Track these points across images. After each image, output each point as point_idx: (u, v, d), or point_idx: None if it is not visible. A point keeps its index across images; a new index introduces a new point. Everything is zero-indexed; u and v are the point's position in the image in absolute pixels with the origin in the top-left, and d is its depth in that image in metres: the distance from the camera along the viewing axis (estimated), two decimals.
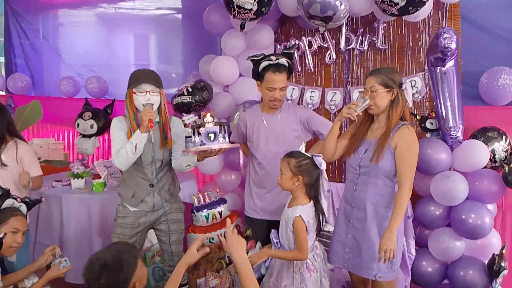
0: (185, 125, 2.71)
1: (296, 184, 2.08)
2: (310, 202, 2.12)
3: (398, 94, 2.07)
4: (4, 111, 2.67)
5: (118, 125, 2.32)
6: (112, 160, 2.29)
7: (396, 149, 2.05)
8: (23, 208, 2.11)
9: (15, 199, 2.08)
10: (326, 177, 2.11)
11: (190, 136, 2.17)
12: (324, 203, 2.16)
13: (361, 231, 2.14)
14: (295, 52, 3.32)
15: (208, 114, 2.13)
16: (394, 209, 2.03)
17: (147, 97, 2.25)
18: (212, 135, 2.09)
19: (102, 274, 1.51)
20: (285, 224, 2.13)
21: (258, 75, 2.49)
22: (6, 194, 2.05)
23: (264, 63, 2.44)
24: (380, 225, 2.09)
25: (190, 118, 2.18)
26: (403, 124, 2.08)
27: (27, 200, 2.16)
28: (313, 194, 2.12)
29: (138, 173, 2.35)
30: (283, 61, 2.43)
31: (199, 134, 2.11)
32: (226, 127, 2.21)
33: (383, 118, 2.12)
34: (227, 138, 2.16)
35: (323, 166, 2.06)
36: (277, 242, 2.15)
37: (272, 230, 2.20)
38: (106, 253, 1.58)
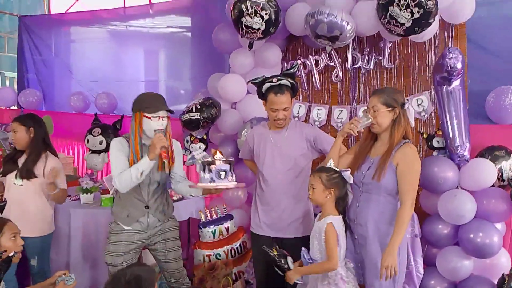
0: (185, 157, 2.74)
1: (328, 197, 2.13)
2: (339, 215, 2.17)
3: (400, 114, 2.11)
4: (41, 123, 2.80)
5: (118, 146, 2.30)
6: (113, 182, 2.27)
7: (397, 167, 2.08)
8: None
9: None
10: (351, 190, 2.17)
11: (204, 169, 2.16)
12: None
13: (364, 248, 2.15)
14: (301, 71, 3.38)
15: (218, 152, 2.16)
16: (396, 226, 2.05)
17: (160, 123, 2.25)
18: (223, 173, 2.11)
19: None
20: (317, 236, 2.15)
21: (262, 95, 2.53)
22: None
23: (266, 85, 2.47)
24: (382, 242, 2.09)
25: (199, 153, 2.21)
26: (405, 143, 2.11)
27: None
28: (342, 208, 2.18)
29: (135, 194, 2.34)
30: (285, 81, 2.45)
31: (210, 171, 2.12)
32: (233, 165, 2.23)
33: (385, 136, 2.16)
34: (234, 176, 2.18)
35: (350, 180, 2.13)
36: (309, 259, 2.16)
37: (303, 248, 2.21)
38: (129, 271, 1.61)
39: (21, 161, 2.71)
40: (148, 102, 2.27)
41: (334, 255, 2.07)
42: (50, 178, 2.64)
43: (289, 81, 2.46)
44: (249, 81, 2.62)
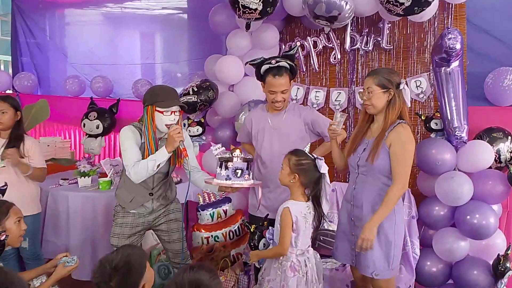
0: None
1: (292, 181, 2.11)
2: (307, 201, 2.14)
3: (395, 95, 2.09)
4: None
5: (130, 135, 2.25)
6: (127, 173, 2.23)
7: (390, 148, 2.07)
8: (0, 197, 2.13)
9: None
10: (329, 181, 2.12)
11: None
12: (326, 206, 2.16)
13: (359, 229, 2.16)
14: (299, 53, 3.34)
15: (237, 150, 2.14)
16: (382, 203, 2.05)
17: (173, 117, 2.23)
18: (239, 172, 2.09)
19: (112, 277, 1.52)
20: (277, 218, 2.17)
21: (261, 77, 2.50)
22: None
23: (265, 66, 2.44)
24: (379, 224, 2.10)
25: (217, 148, 2.18)
26: (399, 123, 2.10)
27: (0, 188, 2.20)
28: (314, 195, 2.14)
29: (141, 182, 2.33)
30: (284, 63, 2.42)
31: (226, 168, 2.10)
32: (251, 163, 2.21)
33: (381, 118, 2.15)
34: (251, 174, 2.17)
35: (323, 170, 2.08)
36: (269, 239, 2.19)
37: (270, 227, 2.23)
38: (116, 256, 1.58)
39: None
40: (160, 96, 2.22)
41: (284, 241, 2.07)
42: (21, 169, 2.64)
43: (288, 63, 2.43)
44: (247, 62, 2.59)
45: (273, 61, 2.41)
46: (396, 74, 2.15)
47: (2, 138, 2.71)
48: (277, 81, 2.40)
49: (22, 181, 2.71)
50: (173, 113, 2.23)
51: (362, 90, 2.18)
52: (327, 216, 3.19)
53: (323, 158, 2.12)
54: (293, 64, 2.45)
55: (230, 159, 2.10)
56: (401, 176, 2.05)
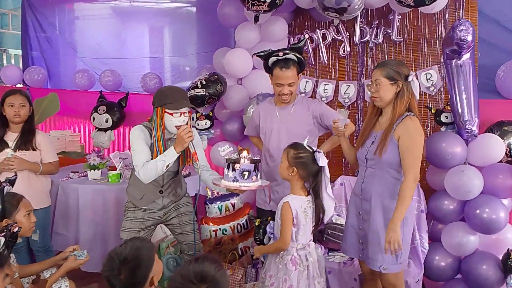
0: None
1: (290, 175, 2.10)
2: (307, 196, 2.13)
3: (403, 87, 2.07)
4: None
5: (141, 135, 2.27)
6: (136, 173, 2.25)
7: (399, 141, 2.05)
8: (10, 188, 2.12)
9: (6, 185, 2.08)
10: (328, 174, 2.10)
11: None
12: (328, 200, 2.13)
13: (368, 223, 2.16)
14: (308, 45, 3.32)
15: (244, 151, 2.14)
16: (398, 200, 2.04)
17: (182, 119, 2.24)
18: (246, 173, 2.09)
19: (121, 270, 1.53)
20: (277, 213, 2.16)
21: (268, 69, 2.49)
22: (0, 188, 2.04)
23: (273, 59, 2.43)
24: (386, 216, 2.09)
25: (225, 149, 2.18)
26: (407, 116, 2.08)
27: (9, 179, 2.19)
28: (313, 189, 2.12)
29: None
30: (292, 56, 2.41)
31: (234, 170, 2.10)
32: (259, 164, 2.21)
33: (389, 110, 2.13)
34: (259, 175, 2.17)
35: (321, 163, 2.06)
36: (270, 233, 2.20)
37: (271, 221, 2.23)
38: (125, 249, 1.58)
39: (8, 137, 2.70)
40: (169, 98, 2.22)
41: (285, 235, 2.07)
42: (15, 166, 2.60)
43: (296, 56, 2.41)
44: (254, 54, 2.58)
45: (281, 53, 2.41)
46: (404, 66, 2.12)
47: (13, 132, 2.72)
48: (284, 73, 2.39)
49: (33, 175, 2.73)
50: (182, 114, 2.23)
51: (370, 83, 2.16)
52: (336, 209, 3.21)
53: (321, 151, 2.11)
54: (301, 57, 2.43)
55: (237, 161, 2.10)
56: (412, 168, 2.03)
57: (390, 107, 2.12)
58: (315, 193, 2.13)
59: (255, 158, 2.16)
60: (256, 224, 2.29)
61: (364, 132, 2.23)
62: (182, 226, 2.49)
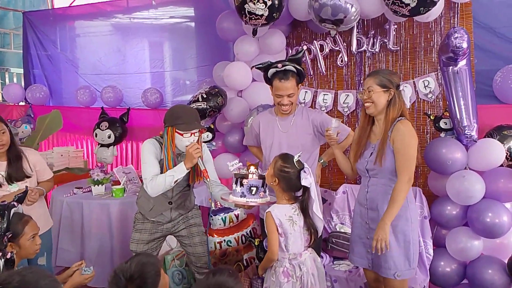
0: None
1: (272, 183, 2.10)
2: (292, 204, 2.10)
3: (395, 95, 2.11)
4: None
5: (152, 149, 2.30)
6: (144, 186, 2.27)
7: (394, 145, 2.08)
8: (20, 207, 2.09)
9: (13, 205, 2.04)
10: (314, 194, 2.06)
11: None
12: (317, 221, 2.10)
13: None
14: (306, 56, 3.36)
15: (252, 167, 2.14)
16: (390, 200, 2.05)
17: (192, 138, 2.25)
18: (254, 189, 2.10)
19: (127, 287, 1.52)
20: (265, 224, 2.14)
21: (268, 80, 2.53)
22: (8, 206, 2.00)
23: (272, 70, 2.47)
24: (394, 224, 2.10)
25: (234, 164, 2.20)
26: (398, 121, 2.11)
27: (17, 197, 2.17)
28: (301, 207, 2.10)
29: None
30: (290, 67, 2.44)
31: (242, 185, 2.11)
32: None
33: (381, 119, 2.16)
34: (267, 191, 2.17)
35: (304, 182, 2.02)
36: (266, 246, 2.16)
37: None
38: (130, 266, 1.57)
39: None
40: (181, 119, 2.25)
41: (271, 245, 2.05)
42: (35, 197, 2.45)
43: (294, 67, 2.45)
44: (253, 66, 2.62)
45: (279, 65, 2.44)
46: (396, 75, 2.17)
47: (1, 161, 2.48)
48: (283, 85, 2.42)
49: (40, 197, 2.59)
50: (192, 134, 2.25)
51: (361, 92, 2.19)
52: (339, 217, 3.21)
53: (309, 169, 2.06)
54: (300, 68, 2.47)
55: (245, 176, 2.10)
56: (405, 170, 2.05)
57: (382, 115, 2.15)
58: (303, 211, 2.10)
59: (263, 174, 2.16)
60: (256, 244, 2.27)
61: (359, 142, 2.25)
62: (191, 237, 2.50)
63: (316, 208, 2.07)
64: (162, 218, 2.43)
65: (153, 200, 2.37)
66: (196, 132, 2.26)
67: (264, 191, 2.14)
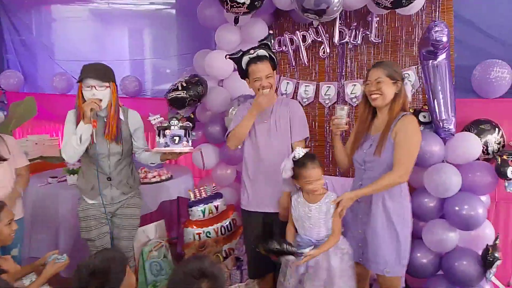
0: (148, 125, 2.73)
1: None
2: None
3: (401, 87, 2.09)
4: None
5: (70, 117, 2.32)
6: (62, 154, 2.30)
7: (395, 138, 2.06)
8: None
9: None
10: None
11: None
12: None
13: (368, 225, 2.16)
14: (289, 47, 3.32)
15: (174, 118, 2.18)
16: (374, 182, 2.05)
17: (93, 92, 2.24)
18: (176, 138, 2.16)
19: (90, 282, 1.50)
20: (324, 217, 2.12)
21: (244, 73, 2.51)
22: None
23: (245, 59, 2.47)
24: (388, 217, 2.10)
25: (155, 118, 2.23)
26: (404, 115, 2.10)
27: None
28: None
29: (95, 167, 2.35)
30: (262, 52, 2.45)
31: (164, 136, 2.16)
32: (190, 130, 2.25)
33: (385, 111, 2.14)
34: (190, 142, 2.22)
35: (284, 174, 2.15)
36: (313, 245, 2.12)
37: (298, 235, 2.22)
38: (94, 261, 1.55)
39: None
40: (80, 72, 2.27)
41: (339, 229, 2.17)
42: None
43: (267, 52, 2.45)
44: (226, 55, 2.59)
45: (252, 51, 2.45)
46: (399, 67, 2.15)
47: None
48: (257, 67, 2.42)
49: (7, 185, 2.59)
50: (93, 87, 2.24)
51: (368, 83, 2.15)
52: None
53: (290, 162, 2.16)
54: (271, 53, 2.47)
55: (167, 127, 2.16)
56: (402, 164, 2.02)
57: (386, 108, 2.13)
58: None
59: (186, 124, 2.22)
60: (263, 251, 2.15)
61: (359, 134, 2.22)
62: (120, 229, 2.48)
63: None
64: (103, 198, 2.38)
65: (92, 178, 2.34)
66: (95, 86, 2.23)
67: (187, 141, 2.19)
